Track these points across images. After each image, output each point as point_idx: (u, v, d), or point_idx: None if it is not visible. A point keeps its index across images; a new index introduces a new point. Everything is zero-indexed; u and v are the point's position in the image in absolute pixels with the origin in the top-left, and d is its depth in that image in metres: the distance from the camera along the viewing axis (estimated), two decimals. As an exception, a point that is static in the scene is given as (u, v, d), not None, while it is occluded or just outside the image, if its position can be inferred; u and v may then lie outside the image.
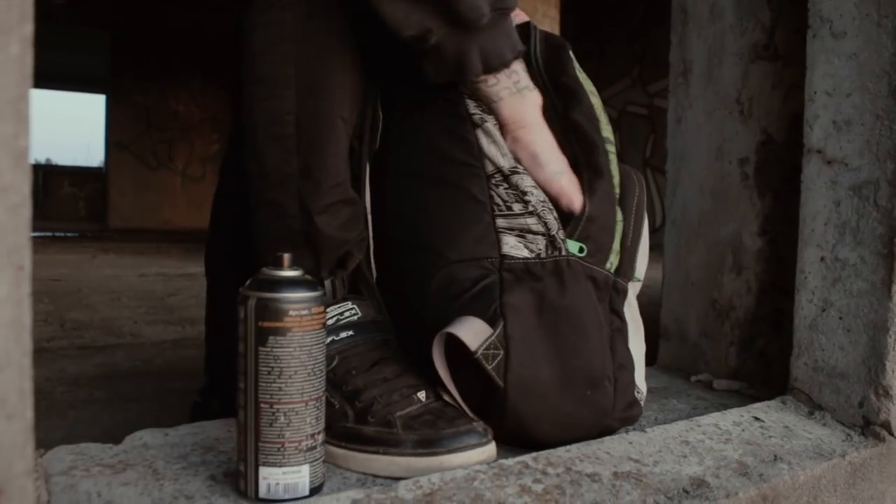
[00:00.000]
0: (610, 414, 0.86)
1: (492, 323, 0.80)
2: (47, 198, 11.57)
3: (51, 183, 11.86)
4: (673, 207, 1.37)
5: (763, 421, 0.95)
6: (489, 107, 0.85)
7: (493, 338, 0.79)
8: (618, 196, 0.92)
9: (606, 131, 0.92)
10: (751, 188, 1.22)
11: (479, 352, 0.78)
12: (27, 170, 0.40)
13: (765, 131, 1.20)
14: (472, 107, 0.84)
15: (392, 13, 0.77)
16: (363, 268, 0.90)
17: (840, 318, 0.99)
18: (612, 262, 0.89)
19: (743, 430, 0.91)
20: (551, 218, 0.83)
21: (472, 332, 0.78)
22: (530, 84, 0.87)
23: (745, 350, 1.22)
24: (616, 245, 0.89)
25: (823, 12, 1.02)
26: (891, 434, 0.93)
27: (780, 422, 0.96)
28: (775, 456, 0.84)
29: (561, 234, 0.83)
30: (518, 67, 0.86)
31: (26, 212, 0.40)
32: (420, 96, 0.87)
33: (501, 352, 0.79)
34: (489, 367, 0.78)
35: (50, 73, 10.69)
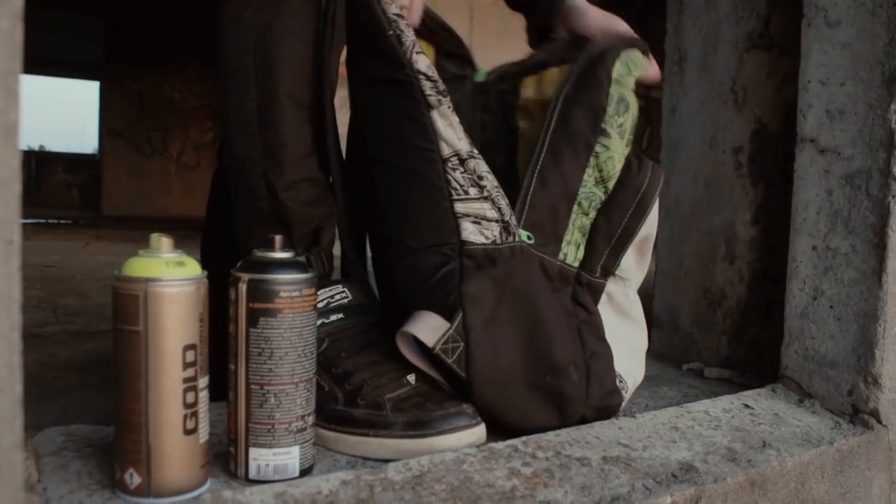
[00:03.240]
0: (580, 402, 0.85)
1: (451, 313, 0.80)
2: (40, 184, 11.51)
3: (44, 169, 11.79)
4: (666, 196, 1.37)
5: (753, 408, 0.96)
6: None
7: (450, 331, 0.78)
8: (608, 190, 0.92)
9: (608, 124, 0.91)
10: (744, 177, 1.22)
11: (438, 347, 0.78)
12: (16, 144, 0.40)
13: (759, 120, 1.21)
14: (428, 88, 0.83)
15: None
16: (349, 252, 0.91)
17: (831, 307, 0.99)
18: (569, 253, 0.89)
19: (732, 417, 0.92)
20: (504, 204, 0.83)
21: (429, 328, 0.78)
22: None
23: (737, 339, 1.23)
24: (572, 236, 0.89)
25: (818, 1, 1.02)
26: (879, 422, 0.94)
27: (769, 409, 0.97)
28: (764, 442, 0.84)
29: (514, 220, 0.83)
30: None
31: (16, 186, 0.40)
32: (377, 79, 0.87)
33: (462, 344, 0.79)
34: (450, 361, 0.78)
35: (43, 59, 10.60)
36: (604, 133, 0.90)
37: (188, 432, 0.61)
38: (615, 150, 0.91)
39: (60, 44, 9.98)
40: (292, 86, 0.85)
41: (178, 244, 0.63)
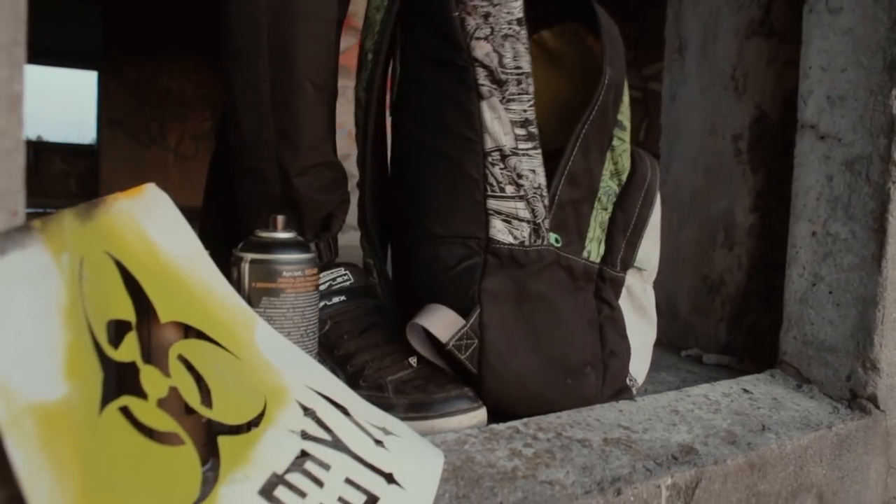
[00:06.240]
0: (593, 402, 0.86)
1: (468, 308, 0.79)
2: (38, 174, 11.47)
3: (42, 159, 11.74)
4: (666, 184, 1.37)
5: (752, 393, 0.96)
6: None
7: (465, 328, 0.78)
8: (622, 182, 0.91)
9: (622, 115, 0.90)
10: (744, 164, 1.22)
11: (451, 344, 0.77)
12: (20, 115, 0.40)
13: (759, 108, 1.20)
14: (482, 77, 0.80)
15: None
16: (368, 225, 0.90)
17: (830, 293, 0.99)
18: (592, 250, 0.88)
19: (732, 401, 0.92)
20: (540, 206, 0.82)
21: (443, 324, 0.78)
22: None
23: (735, 325, 1.23)
24: (594, 233, 0.88)
25: (820, -13, 1.02)
26: (877, 407, 0.94)
27: (768, 394, 0.97)
28: (763, 426, 0.85)
29: (546, 224, 0.82)
30: None
31: (20, 157, 0.40)
32: (431, 57, 0.83)
33: (476, 340, 0.78)
34: (462, 357, 0.78)
35: (41, 49, 10.57)
36: (620, 125, 0.89)
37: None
38: (628, 143, 0.91)
39: (57, 33, 9.94)
40: (311, 69, 0.84)
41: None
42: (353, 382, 0.77)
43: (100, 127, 8.86)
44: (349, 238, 1.22)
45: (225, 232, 0.89)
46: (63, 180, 11.78)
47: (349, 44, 4.36)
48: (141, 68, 8.50)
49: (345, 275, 0.85)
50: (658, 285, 1.39)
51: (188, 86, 8.75)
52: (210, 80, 8.63)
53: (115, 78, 8.52)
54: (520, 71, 0.80)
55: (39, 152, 11.92)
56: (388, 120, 0.93)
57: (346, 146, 1.28)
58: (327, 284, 0.83)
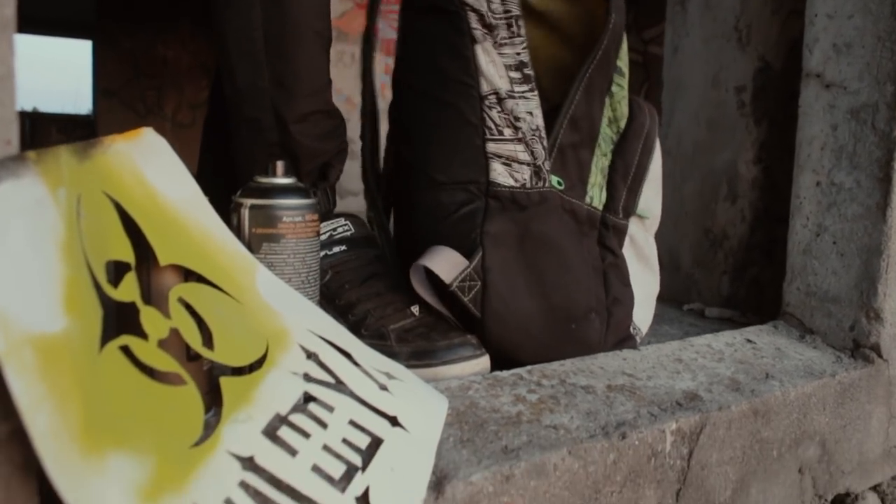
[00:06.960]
0: (597, 348, 0.86)
1: (471, 251, 0.79)
2: (35, 145, 11.37)
3: (38, 131, 11.65)
4: (668, 137, 1.36)
5: (755, 343, 0.96)
6: None
7: (469, 269, 0.78)
8: (621, 129, 0.90)
9: (621, 61, 0.89)
10: (747, 116, 1.20)
11: (455, 285, 0.77)
12: (12, 40, 0.39)
13: (762, 58, 1.19)
14: (474, 21, 0.79)
15: None
16: (369, 176, 0.90)
17: (834, 243, 0.99)
18: (594, 196, 0.87)
19: (735, 351, 0.92)
20: (539, 148, 0.81)
21: (448, 264, 0.78)
22: None
23: (738, 278, 1.23)
24: (595, 179, 0.88)
25: (827, -69, 1.00)
26: (880, 356, 0.94)
27: (771, 344, 0.97)
28: (767, 374, 0.84)
29: (547, 165, 0.82)
30: None
31: (12, 84, 0.39)
32: (425, 5, 0.83)
33: (479, 283, 0.78)
34: (465, 299, 0.78)
35: (33, 18, 10.45)
36: (619, 71, 0.89)
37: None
38: (626, 90, 0.90)
39: (50, 1, 9.81)
40: (306, 14, 0.83)
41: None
42: (355, 331, 0.76)
43: (95, 97, 8.77)
44: (347, 204, 1.21)
45: (222, 178, 0.88)
46: (60, 151, 11.67)
47: (347, 7, 4.31)
48: (136, 37, 8.38)
49: (345, 224, 0.85)
50: (660, 239, 1.38)
51: (184, 55, 8.64)
52: (206, 49, 8.52)
53: (109, 48, 8.40)
54: (509, 14, 0.80)
55: (36, 123, 11.84)
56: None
57: (345, 112, 1.28)
58: (328, 234, 0.83)
